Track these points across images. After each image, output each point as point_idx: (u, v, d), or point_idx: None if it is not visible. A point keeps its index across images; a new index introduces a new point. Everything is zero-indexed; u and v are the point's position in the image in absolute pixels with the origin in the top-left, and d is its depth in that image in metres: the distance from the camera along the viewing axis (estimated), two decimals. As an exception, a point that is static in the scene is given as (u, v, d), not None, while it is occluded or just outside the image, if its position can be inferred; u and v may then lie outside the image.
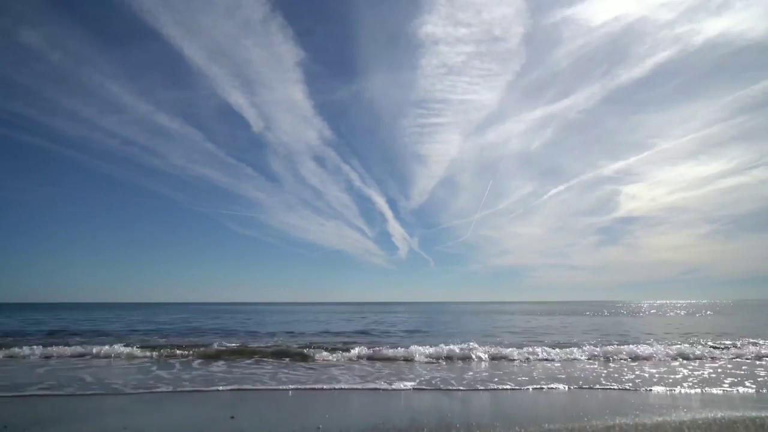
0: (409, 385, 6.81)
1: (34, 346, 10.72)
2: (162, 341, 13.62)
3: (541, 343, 11.55)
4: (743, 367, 8.63)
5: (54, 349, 10.47)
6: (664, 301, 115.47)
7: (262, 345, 11.80)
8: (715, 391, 6.45)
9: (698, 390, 6.49)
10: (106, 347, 10.53)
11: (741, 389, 6.53)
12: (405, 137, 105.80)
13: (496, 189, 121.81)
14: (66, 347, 10.74)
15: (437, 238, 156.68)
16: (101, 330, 18.35)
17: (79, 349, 10.58)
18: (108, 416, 5.17)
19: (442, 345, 10.29)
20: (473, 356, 9.74)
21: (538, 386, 6.73)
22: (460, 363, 9.31)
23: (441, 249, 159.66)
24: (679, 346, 10.94)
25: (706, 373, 8.00)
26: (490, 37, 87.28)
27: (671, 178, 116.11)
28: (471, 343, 10.41)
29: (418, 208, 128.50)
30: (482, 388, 6.72)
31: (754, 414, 4.84)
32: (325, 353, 9.93)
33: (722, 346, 11.15)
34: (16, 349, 10.46)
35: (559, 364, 9.06)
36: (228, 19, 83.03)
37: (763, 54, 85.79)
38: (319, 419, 4.82)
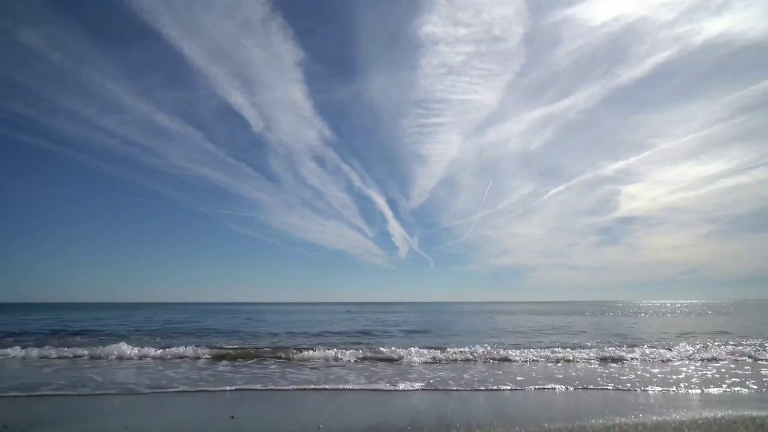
0: (409, 385, 6.81)
1: (35, 347, 10.73)
2: (162, 341, 13.63)
3: (541, 343, 11.56)
4: (744, 367, 8.64)
5: (54, 350, 10.46)
6: (664, 301, 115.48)
7: (262, 345, 11.82)
8: (715, 391, 6.45)
9: (698, 390, 6.49)
10: (107, 347, 10.52)
11: (741, 389, 6.53)
12: (405, 137, 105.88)
13: (496, 189, 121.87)
14: (66, 348, 10.74)
15: (437, 238, 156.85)
16: (102, 330, 18.36)
17: (78, 350, 10.58)
18: (108, 416, 5.17)
19: (442, 345, 10.30)
20: (473, 356, 9.75)
21: (538, 386, 6.73)
22: (460, 363, 9.31)
23: (441, 249, 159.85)
24: (678, 346, 10.95)
25: (706, 373, 8.00)
26: (490, 37, 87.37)
27: (671, 178, 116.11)
28: (471, 344, 10.41)
29: (418, 208, 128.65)
30: (482, 388, 6.72)
31: (754, 414, 4.83)
32: (325, 353, 9.93)
33: (722, 346, 11.14)
34: (9, 350, 10.47)
35: (559, 364, 9.06)
36: (228, 19, 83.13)
37: (763, 54, 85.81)
38: (319, 419, 4.82)
